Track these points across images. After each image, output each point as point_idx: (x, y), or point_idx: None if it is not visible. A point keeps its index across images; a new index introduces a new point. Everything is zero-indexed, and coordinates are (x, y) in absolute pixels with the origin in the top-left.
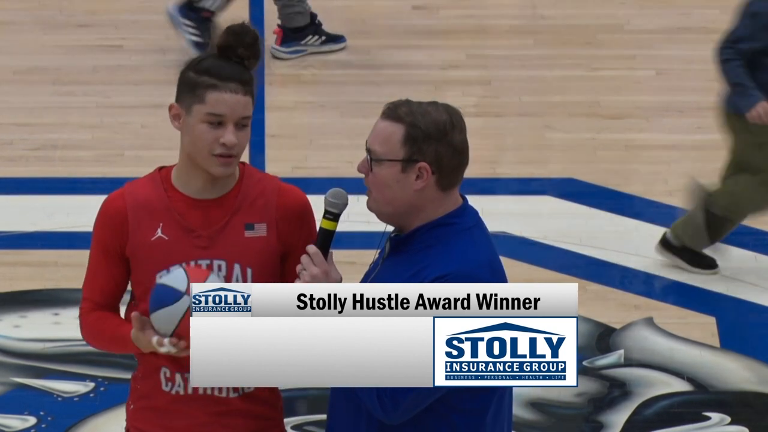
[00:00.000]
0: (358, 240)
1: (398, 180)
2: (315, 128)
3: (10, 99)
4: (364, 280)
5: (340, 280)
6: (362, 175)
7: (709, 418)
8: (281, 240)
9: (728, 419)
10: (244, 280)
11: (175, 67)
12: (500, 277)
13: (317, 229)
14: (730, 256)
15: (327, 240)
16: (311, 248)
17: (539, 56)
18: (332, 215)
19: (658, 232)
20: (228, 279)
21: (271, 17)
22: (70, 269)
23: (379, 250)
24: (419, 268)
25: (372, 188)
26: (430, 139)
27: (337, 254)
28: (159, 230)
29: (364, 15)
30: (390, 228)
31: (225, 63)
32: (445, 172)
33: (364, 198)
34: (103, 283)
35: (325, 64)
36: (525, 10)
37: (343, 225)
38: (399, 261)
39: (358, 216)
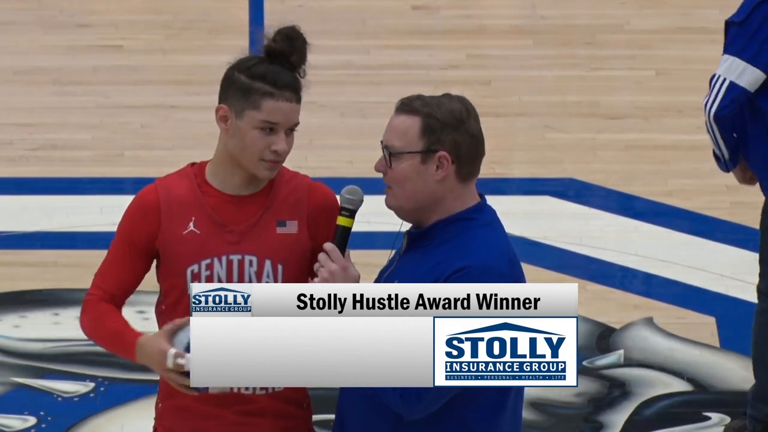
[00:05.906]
0: (358, 240)
1: (419, 172)
2: (315, 128)
3: (10, 99)
4: (379, 278)
5: (358, 277)
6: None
7: (709, 418)
8: (312, 236)
9: (728, 419)
10: (275, 277)
11: (175, 66)
12: (519, 270)
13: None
14: (731, 257)
15: (344, 237)
16: (328, 245)
17: (539, 56)
18: (348, 212)
19: (658, 232)
20: (259, 275)
21: (271, 18)
22: (70, 269)
23: (394, 250)
24: (438, 260)
25: (392, 184)
26: (448, 127)
27: None
28: (191, 224)
29: (364, 15)
30: (404, 228)
31: (279, 69)
32: (464, 161)
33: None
34: (120, 275)
35: (325, 64)
36: (525, 10)
37: None
38: (417, 255)
39: (359, 216)
